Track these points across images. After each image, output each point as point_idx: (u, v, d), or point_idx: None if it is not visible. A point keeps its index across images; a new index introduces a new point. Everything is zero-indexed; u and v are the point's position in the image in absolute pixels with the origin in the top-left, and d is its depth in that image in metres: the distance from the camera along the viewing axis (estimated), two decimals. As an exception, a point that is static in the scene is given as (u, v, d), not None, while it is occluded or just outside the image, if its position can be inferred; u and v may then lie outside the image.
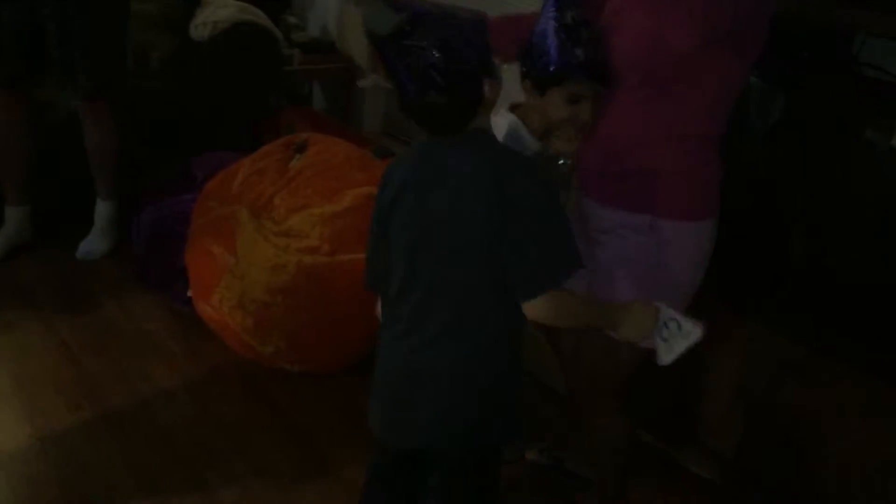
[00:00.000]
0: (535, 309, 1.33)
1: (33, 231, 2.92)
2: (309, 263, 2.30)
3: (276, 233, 2.38)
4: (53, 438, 2.09)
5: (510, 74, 1.51)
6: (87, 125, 2.81)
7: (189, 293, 2.52)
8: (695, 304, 1.65)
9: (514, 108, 1.62)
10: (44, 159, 2.87)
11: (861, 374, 1.82)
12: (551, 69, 1.52)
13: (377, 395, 1.51)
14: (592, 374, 1.75)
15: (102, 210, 2.94)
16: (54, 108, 2.90)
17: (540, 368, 2.30)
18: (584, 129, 1.58)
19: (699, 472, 2.18)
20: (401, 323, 1.42)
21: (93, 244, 2.93)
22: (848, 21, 1.79)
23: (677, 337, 1.42)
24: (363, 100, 3.79)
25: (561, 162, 1.90)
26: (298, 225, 2.37)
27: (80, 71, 2.66)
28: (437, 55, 1.27)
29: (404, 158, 1.46)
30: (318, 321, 2.34)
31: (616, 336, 1.45)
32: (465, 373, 1.38)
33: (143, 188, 2.87)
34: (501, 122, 1.59)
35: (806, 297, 1.97)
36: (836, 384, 1.86)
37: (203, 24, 3.23)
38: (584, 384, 1.81)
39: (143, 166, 2.96)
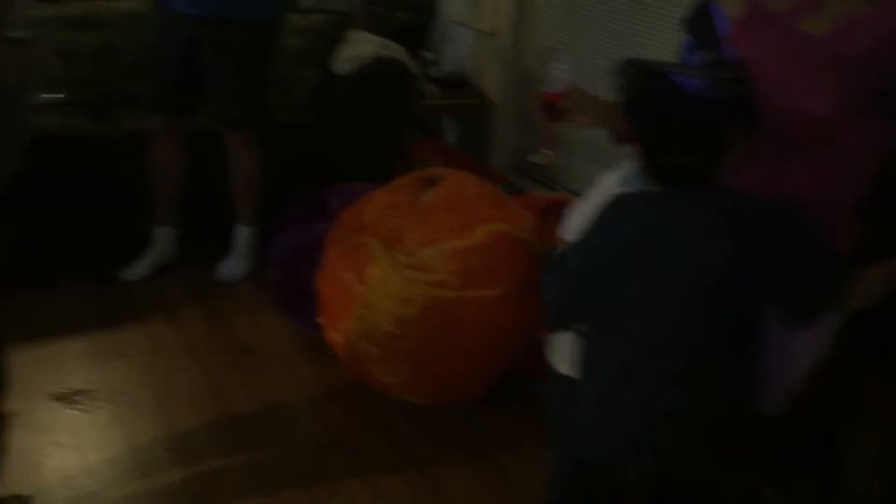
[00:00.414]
0: None
1: (179, 251, 3.09)
2: (437, 297, 2.33)
3: (407, 265, 2.43)
4: (188, 451, 2.19)
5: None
6: (232, 154, 2.96)
7: (319, 319, 2.59)
8: (833, 366, 1.57)
9: None
10: (192, 184, 3.03)
11: None
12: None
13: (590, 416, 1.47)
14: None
15: (242, 234, 3.08)
16: (205, 136, 3.05)
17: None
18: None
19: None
20: (633, 355, 1.39)
21: (232, 267, 3.07)
22: None
23: None
24: (494, 135, 3.83)
25: None
26: (428, 258, 2.41)
27: (229, 102, 2.81)
28: (693, 116, 1.32)
29: (645, 200, 1.43)
30: (444, 355, 2.36)
31: None
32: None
33: (281, 215, 2.99)
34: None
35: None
36: None
37: (346, 59, 3.35)
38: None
39: (282, 194, 3.09)
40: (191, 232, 3.09)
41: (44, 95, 2.97)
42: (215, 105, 2.84)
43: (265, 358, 2.64)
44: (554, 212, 2.78)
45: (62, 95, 3.10)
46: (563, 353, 1.61)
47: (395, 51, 3.45)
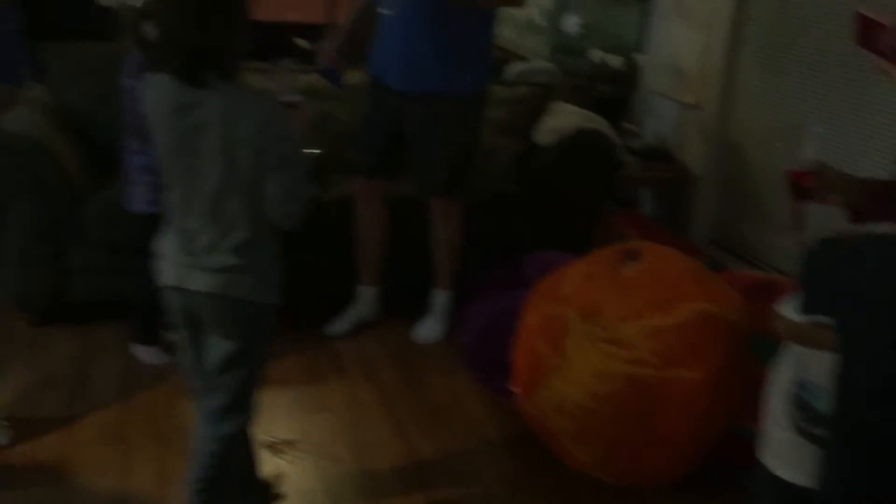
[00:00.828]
0: None
1: (380, 309, 3.21)
2: (636, 375, 2.27)
3: (605, 340, 2.39)
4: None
5: None
6: (435, 219, 3.06)
7: (511, 387, 2.60)
8: None
9: None
10: (394, 246, 3.16)
11: None
12: None
13: None
14: None
15: (439, 298, 3.16)
16: (408, 201, 3.17)
17: None
18: None
19: None
20: None
21: (429, 329, 3.15)
22: None
23: None
24: (695, 208, 3.73)
25: None
26: (628, 334, 2.36)
27: (435, 171, 2.92)
28: None
29: None
30: (640, 435, 2.29)
31: None
32: None
33: (478, 281, 3.04)
34: None
35: None
36: None
37: (549, 130, 3.41)
38: None
39: (480, 261, 3.15)
40: (391, 292, 3.21)
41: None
42: (422, 173, 2.96)
43: (457, 421, 2.67)
44: (760, 292, 2.65)
45: (318, 151, 3.28)
46: (783, 454, 1.50)
47: (596, 122, 3.46)
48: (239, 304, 1.81)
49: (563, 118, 3.46)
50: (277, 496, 2.27)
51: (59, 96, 3.21)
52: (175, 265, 1.83)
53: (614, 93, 3.91)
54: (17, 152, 2.80)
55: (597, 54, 4.01)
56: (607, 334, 2.40)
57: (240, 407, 1.94)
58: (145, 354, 2.84)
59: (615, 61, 3.95)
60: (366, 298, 3.18)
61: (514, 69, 3.89)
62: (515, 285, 2.94)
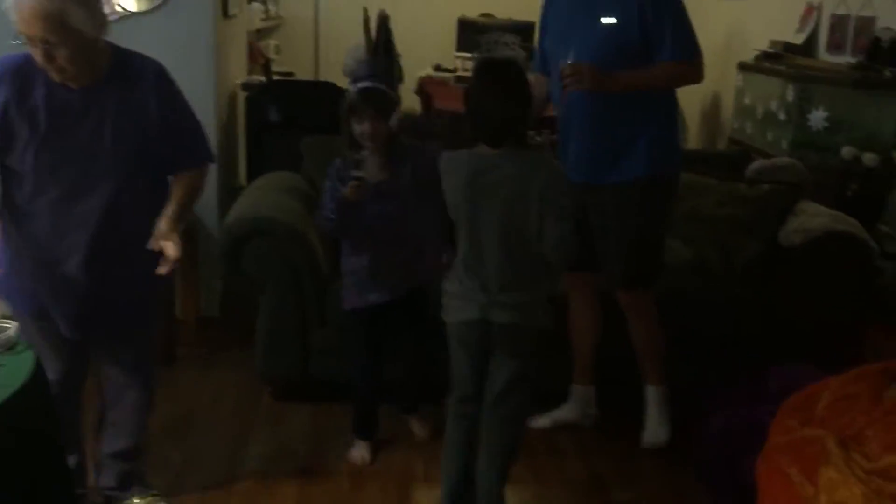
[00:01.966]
0: None
1: (599, 411, 3.10)
2: (907, 516, 2.02)
3: (868, 471, 2.14)
4: None
5: None
6: (629, 315, 2.94)
7: (755, 512, 2.39)
8: None
9: None
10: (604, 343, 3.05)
11: None
12: None
13: None
14: None
15: (654, 396, 3.00)
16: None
17: None
18: None
19: None
20: None
21: (655, 433, 2.99)
22: None
23: None
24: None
25: None
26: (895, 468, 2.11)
27: (617, 262, 2.84)
28: None
29: None
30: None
31: None
32: None
33: (718, 391, 2.87)
34: None
35: None
36: None
37: (795, 231, 3.21)
38: None
39: (719, 369, 2.98)
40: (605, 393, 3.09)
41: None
42: (606, 264, 2.89)
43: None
44: None
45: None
46: None
47: (849, 224, 3.22)
48: (527, 332, 2.30)
49: (811, 219, 3.25)
50: None
51: (313, 184, 3.45)
52: (475, 303, 2.29)
53: (868, 192, 3.62)
54: (275, 237, 3.03)
55: (848, 151, 3.75)
56: (871, 465, 2.16)
57: (523, 414, 2.43)
58: (355, 450, 2.87)
59: (869, 159, 3.67)
60: (577, 396, 3.09)
61: (755, 165, 3.71)
62: (757, 400, 2.74)
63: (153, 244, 2.13)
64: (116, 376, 2.40)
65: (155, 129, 2.16)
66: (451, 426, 2.46)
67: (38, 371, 1.90)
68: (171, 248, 2.12)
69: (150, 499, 2.49)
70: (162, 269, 2.14)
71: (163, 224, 2.16)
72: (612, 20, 2.67)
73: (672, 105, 2.88)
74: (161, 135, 2.18)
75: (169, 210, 2.19)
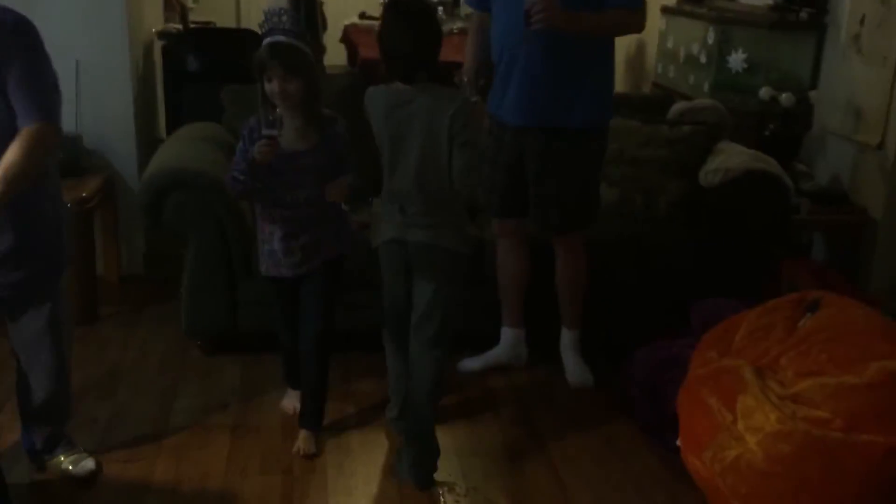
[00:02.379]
0: None
1: (525, 352, 3.14)
2: (818, 437, 2.11)
3: (782, 397, 2.24)
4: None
5: None
6: (561, 258, 2.99)
7: (678, 443, 2.47)
8: None
9: None
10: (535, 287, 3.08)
11: None
12: None
13: None
14: None
15: (575, 338, 3.07)
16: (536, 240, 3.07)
17: None
18: None
19: None
20: None
21: (582, 374, 3.05)
22: None
23: None
24: (874, 256, 3.47)
25: None
26: (808, 392, 2.20)
27: (555, 206, 2.87)
28: None
29: None
30: (822, 502, 2.11)
31: None
32: None
33: (642, 327, 2.94)
34: None
35: None
36: None
37: (714, 170, 3.27)
38: None
39: (644, 306, 3.05)
40: (534, 334, 3.14)
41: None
42: (540, 210, 2.91)
43: (618, 474, 2.57)
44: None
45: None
46: None
47: (766, 163, 3.30)
48: (441, 252, 2.42)
49: (730, 158, 3.31)
50: None
51: (235, 134, 3.37)
52: (394, 224, 2.44)
53: (785, 132, 3.70)
54: (198, 188, 2.96)
55: (766, 91, 3.83)
56: (785, 391, 2.25)
57: (443, 337, 2.47)
58: (287, 399, 2.86)
59: (786, 99, 3.75)
60: (508, 339, 3.13)
61: (676, 107, 3.76)
62: (681, 333, 2.82)
63: None
64: (25, 339, 2.34)
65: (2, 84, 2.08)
66: (390, 360, 2.65)
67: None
68: None
69: (75, 456, 2.45)
70: None
71: None
72: None
73: (612, 52, 2.88)
74: (4, 90, 2.10)
75: None
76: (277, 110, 2.43)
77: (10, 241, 2.20)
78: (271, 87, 2.44)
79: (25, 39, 2.12)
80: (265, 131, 2.40)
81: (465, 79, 3.00)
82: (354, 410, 2.86)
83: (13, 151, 2.10)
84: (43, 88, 2.16)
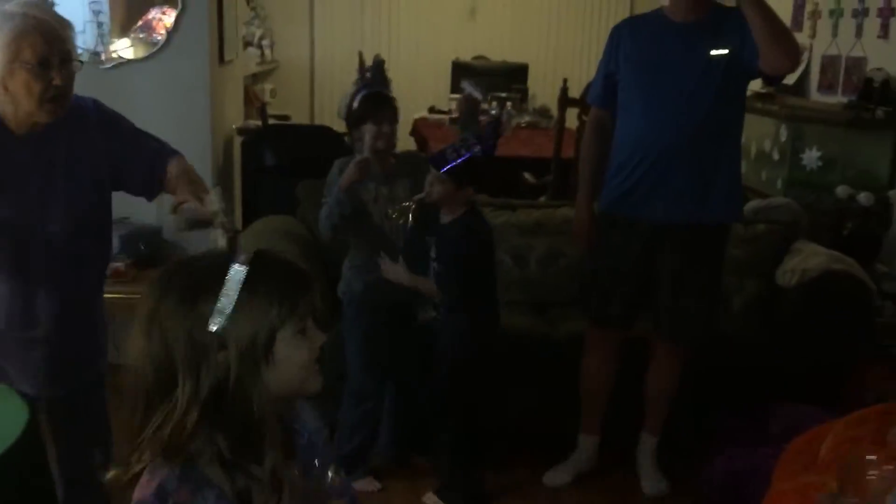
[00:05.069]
0: None
1: (600, 459, 3.04)
2: (915, 564, 1.98)
3: (872, 516, 2.11)
4: None
5: None
6: (658, 362, 2.88)
7: (760, 559, 2.35)
8: None
9: None
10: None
11: None
12: None
13: None
14: None
15: (652, 445, 2.96)
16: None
17: None
18: None
19: None
20: None
21: (657, 482, 2.94)
22: None
23: None
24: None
25: None
26: (902, 512, 2.07)
27: (683, 316, 2.75)
28: None
29: None
30: None
31: None
32: None
33: (717, 433, 2.84)
34: None
35: None
36: None
37: (792, 271, 3.20)
38: None
39: (718, 411, 2.95)
40: (609, 438, 3.04)
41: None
42: (662, 315, 2.78)
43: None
44: None
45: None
46: None
47: (846, 264, 3.21)
48: None
49: (807, 258, 3.24)
50: None
51: (309, 229, 3.44)
52: None
53: (864, 232, 3.63)
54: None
55: (843, 190, 3.76)
56: (875, 510, 2.13)
57: None
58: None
59: (864, 198, 3.69)
60: (587, 448, 3.02)
61: (751, 205, 3.71)
62: (759, 441, 2.71)
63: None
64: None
65: (107, 164, 2.08)
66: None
67: (32, 424, 1.86)
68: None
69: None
70: None
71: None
72: (724, 52, 2.56)
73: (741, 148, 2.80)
74: (121, 162, 2.09)
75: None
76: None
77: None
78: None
79: (111, 110, 2.14)
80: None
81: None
82: None
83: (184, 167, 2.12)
84: (152, 135, 2.18)
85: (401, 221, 2.69)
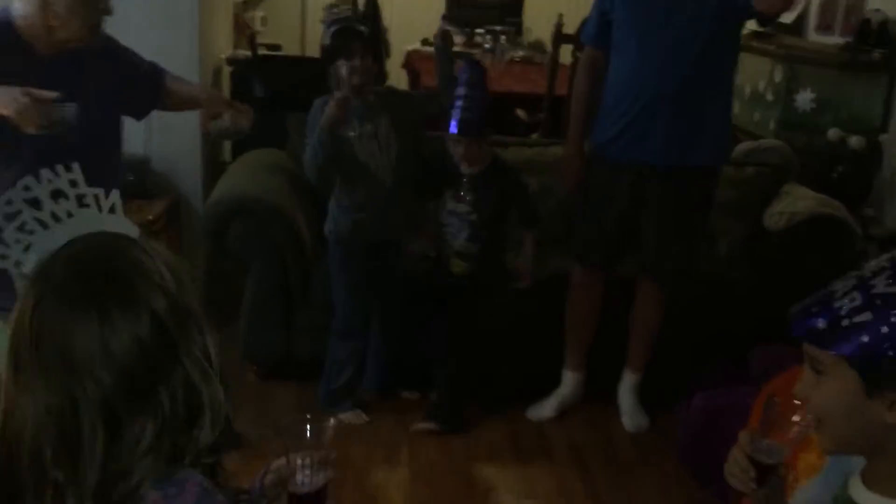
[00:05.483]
0: None
1: (582, 393, 3.10)
2: None
3: (846, 455, 2.17)
4: None
5: None
6: (641, 300, 2.93)
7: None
8: None
9: None
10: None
11: None
12: None
13: None
14: None
15: (634, 381, 3.02)
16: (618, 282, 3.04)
17: None
18: None
19: None
20: None
21: (638, 418, 3.01)
22: None
23: None
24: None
25: None
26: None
27: (665, 255, 2.79)
28: None
29: None
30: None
31: None
32: None
33: (701, 374, 2.89)
34: None
35: None
36: None
37: (780, 213, 3.21)
38: None
39: (704, 352, 2.99)
40: (592, 375, 3.09)
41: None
42: (654, 259, 2.82)
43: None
44: None
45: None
46: None
47: (833, 207, 3.23)
48: None
49: (795, 201, 3.25)
50: None
51: (298, 163, 3.42)
52: None
53: (853, 175, 3.63)
54: (260, 216, 3.00)
55: (834, 133, 3.75)
56: (849, 450, 2.18)
57: None
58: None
59: (855, 141, 3.68)
60: (571, 384, 3.07)
61: (741, 147, 3.71)
62: (741, 381, 2.76)
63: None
64: None
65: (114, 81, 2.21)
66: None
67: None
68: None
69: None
70: None
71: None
72: None
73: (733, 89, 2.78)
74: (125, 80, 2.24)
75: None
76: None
77: None
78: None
79: (103, 32, 2.22)
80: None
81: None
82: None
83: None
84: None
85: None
